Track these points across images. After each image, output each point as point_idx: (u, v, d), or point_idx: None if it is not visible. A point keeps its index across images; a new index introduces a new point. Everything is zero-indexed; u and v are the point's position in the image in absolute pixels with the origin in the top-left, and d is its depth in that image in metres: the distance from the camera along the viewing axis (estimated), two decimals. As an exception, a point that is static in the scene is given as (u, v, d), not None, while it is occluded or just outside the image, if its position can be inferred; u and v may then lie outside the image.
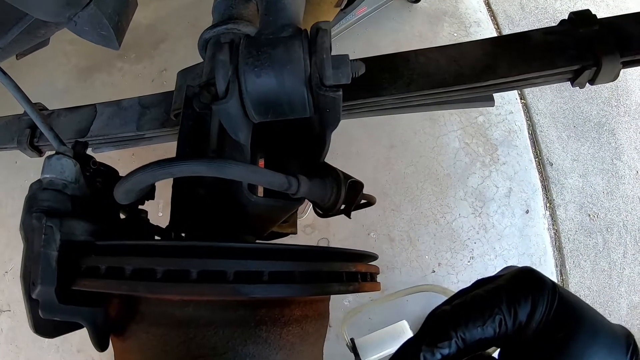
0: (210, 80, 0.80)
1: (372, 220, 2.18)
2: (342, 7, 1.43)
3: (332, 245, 2.16)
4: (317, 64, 0.51)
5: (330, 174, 0.57)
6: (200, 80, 0.90)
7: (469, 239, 2.16)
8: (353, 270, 0.54)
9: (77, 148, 0.63)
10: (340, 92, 0.51)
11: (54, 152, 0.62)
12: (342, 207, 0.60)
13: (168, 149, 1.17)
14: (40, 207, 0.55)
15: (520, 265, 0.48)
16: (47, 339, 2.37)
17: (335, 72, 0.52)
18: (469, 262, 2.11)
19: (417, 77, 1.04)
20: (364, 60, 1.08)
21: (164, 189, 0.65)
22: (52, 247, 0.52)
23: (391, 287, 2.04)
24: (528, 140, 2.40)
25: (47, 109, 1.36)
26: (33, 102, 0.91)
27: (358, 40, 2.54)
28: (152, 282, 0.44)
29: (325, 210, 0.59)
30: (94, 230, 0.58)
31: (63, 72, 2.83)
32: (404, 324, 1.53)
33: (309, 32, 0.55)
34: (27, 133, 1.31)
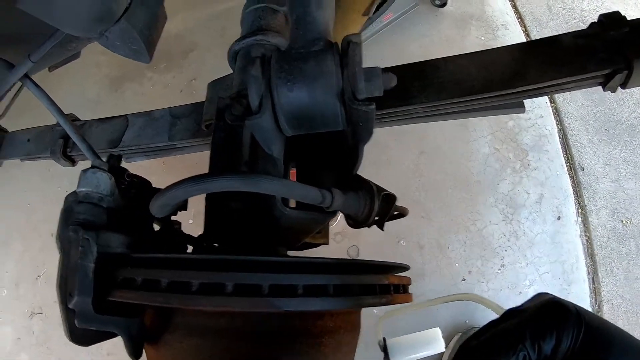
0: (241, 91, 0.81)
1: (402, 228, 2.15)
2: (370, 15, 1.42)
3: (362, 253, 2.16)
4: (349, 78, 0.51)
5: (364, 187, 0.57)
6: (230, 92, 0.91)
7: (499, 246, 2.12)
8: (386, 283, 0.54)
9: (111, 161, 0.65)
10: (373, 106, 0.51)
11: (89, 164, 0.63)
12: (375, 219, 0.60)
13: (198, 157, 1.19)
14: (77, 220, 0.57)
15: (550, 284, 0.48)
16: (79, 343, 2.43)
17: (367, 85, 0.52)
18: (499, 270, 2.07)
19: (447, 84, 1.03)
20: (394, 68, 1.08)
21: (196, 197, 0.65)
22: (89, 259, 0.53)
23: (421, 294, 2.02)
24: (559, 144, 2.34)
25: (79, 120, 1.39)
26: (65, 113, 0.94)
27: (385, 47, 2.53)
28: (187, 294, 0.44)
29: (358, 223, 0.59)
30: (129, 242, 0.59)
31: (94, 83, 2.88)
32: (437, 331, 1.52)
33: (339, 45, 0.55)
34: (60, 143, 1.34)
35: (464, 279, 2.06)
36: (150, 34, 0.78)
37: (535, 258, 2.10)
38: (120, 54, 0.80)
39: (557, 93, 1.04)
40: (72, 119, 1.31)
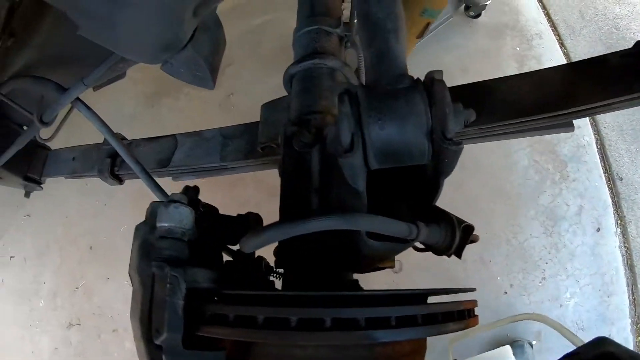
0: (302, 116, 0.81)
1: None
2: (424, 37, 1.43)
3: (406, 267, 2.16)
4: (439, 117, 0.51)
5: (444, 219, 0.57)
6: (288, 115, 0.91)
7: (540, 259, 2.09)
8: (462, 309, 0.56)
9: (189, 194, 0.65)
10: (462, 145, 0.51)
11: (158, 197, 0.64)
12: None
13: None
14: (161, 256, 0.57)
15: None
16: (115, 352, 2.47)
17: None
18: (540, 283, 2.05)
19: (500, 106, 1.02)
20: (449, 89, 1.08)
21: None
22: (177, 296, 0.54)
23: (464, 310, 1.99)
24: (597, 155, 2.31)
25: (126, 139, 1.41)
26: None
27: (423, 59, 2.50)
28: (287, 330, 0.45)
29: (438, 253, 0.60)
30: (215, 277, 0.60)
31: (130, 98, 2.93)
32: (507, 349, 1.53)
33: (422, 81, 0.56)
34: (107, 162, 1.36)
35: (506, 293, 2.04)
36: (214, 60, 0.79)
37: (576, 270, 2.07)
38: (183, 80, 0.81)
39: (607, 112, 1.03)
40: (120, 137, 1.33)
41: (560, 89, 1.00)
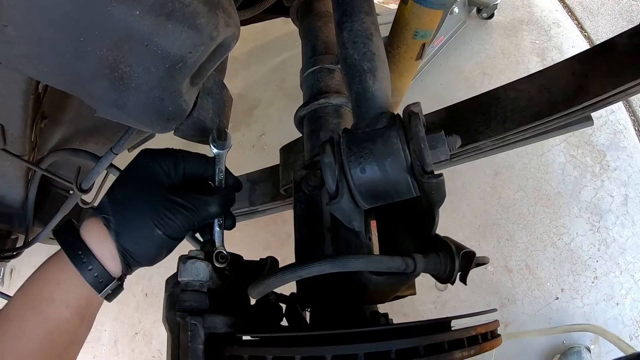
0: (314, 158, 0.86)
1: (487, 254, 2.04)
2: (423, 58, 1.45)
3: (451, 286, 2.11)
4: (416, 152, 0.54)
5: (444, 248, 0.59)
6: (302, 157, 0.96)
7: (590, 257, 2.02)
8: (473, 334, 0.56)
9: (206, 248, 0.71)
10: (443, 177, 0.53)
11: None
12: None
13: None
14: (183, 307, 0.64)
15: None
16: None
17: (433, 152, 0.55)
18: (592, 283, 1.97)
19: (510, 113, 1.03)
20: (456, 105, 1.10)
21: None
22: (197, 342, 0.61)
23: (513, 320, 1.97)
24: (636, 137, 2.22)
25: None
26: None
27: (442, 71, 2.52)
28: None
29: (442, 281, 0.61)
30: (233, 322, 0.66)
31: (165, 145, 3.01)
32: None
33: (401, 117, 0.59)
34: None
35: (557, 298, 1.97)
36: (220, 120, 0.84)
37: (629, 264, 1.98)
38: (197, 142, 0.86)
39: (625, 99, 1.01)
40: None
41: (571, 84, 1.00)
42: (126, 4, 0.51)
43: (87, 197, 1.42)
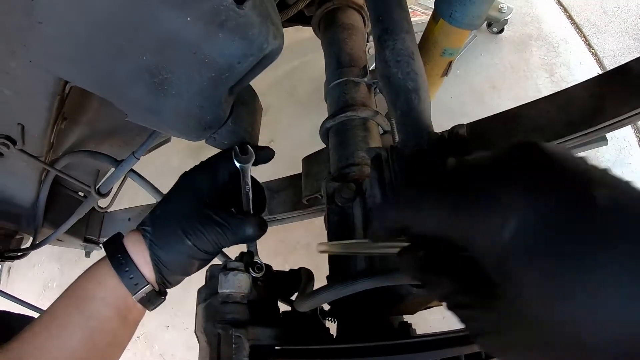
0: (342, 170, 0.86)
1: None
2: (448, 74, 1.46)
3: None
4: None
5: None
6: (327, 167, 0.96)
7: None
8: None
9: (245, 259, 0.70)
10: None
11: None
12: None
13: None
14: (225, 319, 0.63)
15: None
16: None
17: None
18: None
19: (531, 132, 1.04)
20: (478, 122, 1.11)
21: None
22: (242, 354, 0.60)
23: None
24: (641, 154, 2.24)
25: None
26: (151, 182, 1.04)
27: (453, 85, 2.49)
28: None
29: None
30: (276, 334, 0.66)
31: (177, 152, 3.02)
32: None
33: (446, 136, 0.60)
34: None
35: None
36: (252, 129, 0.83)
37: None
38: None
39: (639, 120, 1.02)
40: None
41: (588, 105, 1.02)
42: (178, 9, 0.50)
43: (103, 203, 1.41)
